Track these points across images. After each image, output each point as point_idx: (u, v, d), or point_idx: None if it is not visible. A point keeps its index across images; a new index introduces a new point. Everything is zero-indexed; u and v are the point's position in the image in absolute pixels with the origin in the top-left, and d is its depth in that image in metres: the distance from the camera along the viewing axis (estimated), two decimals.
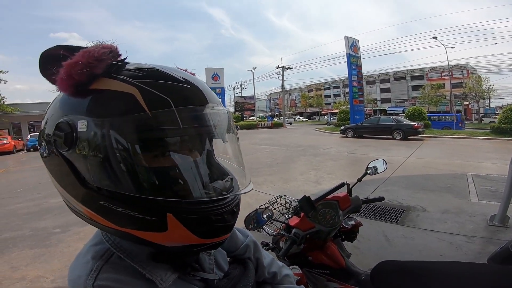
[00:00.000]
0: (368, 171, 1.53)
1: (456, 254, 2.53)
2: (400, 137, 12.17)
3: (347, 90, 20.90)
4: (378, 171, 1.53)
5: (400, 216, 3.55)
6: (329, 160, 8.10)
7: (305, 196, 1.24)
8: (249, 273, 0.68)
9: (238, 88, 40.61)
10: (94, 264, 0.44)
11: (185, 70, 0.52)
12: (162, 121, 0.41)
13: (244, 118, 33.80)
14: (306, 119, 47.88)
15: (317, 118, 47.03)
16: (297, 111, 51.85)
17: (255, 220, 1.30)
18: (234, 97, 38.20)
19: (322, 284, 1.48)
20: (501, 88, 33.12)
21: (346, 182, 1.47)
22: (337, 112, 24.56)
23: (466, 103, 32.57)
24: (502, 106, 17.17)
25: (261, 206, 1.39)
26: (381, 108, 36.48)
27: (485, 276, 1.02)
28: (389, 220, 3.45)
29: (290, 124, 31.92)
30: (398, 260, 1.27)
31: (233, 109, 36.89)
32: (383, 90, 46.49)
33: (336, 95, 53.25)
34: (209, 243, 0.47)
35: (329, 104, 49.57)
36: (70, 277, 0.45)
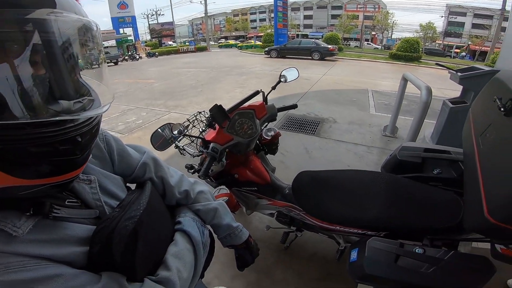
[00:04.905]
0: (282, 79, 1.49)
1: (359, 164, 2.89)
2: (318, 58, 13.26)
3: (273, 15, 20.14)
4: (290, 79, 1.52)
5: (316, 128, 3.89)
6: (254, 78, 8.15)
7: (216, 104, 1.08)
8: (143, 195, 0.55)
9: (153, 15, 36.28)
10: None
11: None
12: None
13: (163, 45, 30.37)
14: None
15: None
16: (222, 35, 48.56)
17: (166, 138, 1.14)
18: (149, 24, 33.39)
19: (253, 202, 1.50)
20: (403, 23, 38.70)
21: (261, 90, 1.39)
22: (262, 36, 24.18)
23: (373, 33, 37.05)
24: (401, 38, 20.23)
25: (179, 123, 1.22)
26: (303, 33, 37.90)
27: (380, 183, 1.13)
28: (308, 132, 3.74)
29: (240, 48, 27.47)
30: (312, 170, 1.32)
31: (148, 37, 32.82)
32: (306, 17, 47.63)
33: (262, 20, 52.52)
34: (41, 184, 0.38)
35: (255, 28, 48.41)
36: None
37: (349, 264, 1.03)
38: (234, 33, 48.76)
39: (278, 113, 1.48)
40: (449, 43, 34.98)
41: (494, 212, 0.71)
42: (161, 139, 1.16)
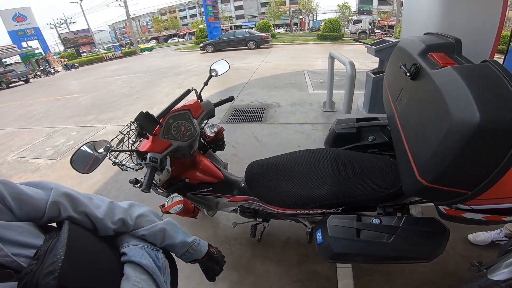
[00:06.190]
0: (212, 74, 1.46)
1: (308, 143, 2.96)
2: (254, 47, 13.58)
3: (203, 10, 19.77)
4: (222, 72, 1.49)
5: (262, 115, 3.92)
6: (193, 76, 7.90)
7: (141, 112, 0.98)
8: (59, 242, 0.47)
9: (62, 24, 32.48)
10: None
11: None
12: None
13: (83, 54, 27.42)
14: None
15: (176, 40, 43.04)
16: (152, 36, 45.44)
17: (91, 158, 1.01)
18: (59, 34, 29.73)
19: (213, 203, 1.44)
20: (325, 5, 41.56)
21: (192, 88, 1.34)
22: (194, 32, 23.55)
23: (300, 17, 38.98)
24: (324, 20, 21.72)
25: (112, 139, 1.10)
26: (237, 24, 38.23)
27: (324, 159, 1.14)
28: (255, 120, 3.74)
29: (143, 51, 26.35)
30: (261, 159, 1.31)
31: (62, 48, 30.07)
32: (237, 8, 47.90)
33: (192, 16, 50.87)
34: None
35: (186, 25, 46.57)
36: None
37: (317, 246, 1.02)
38: (164, 33, 46.16)
39: (223, 107, 1.44)
40: None
41: (423, 174, 0.71)
42: (85, 160, 1.02)
